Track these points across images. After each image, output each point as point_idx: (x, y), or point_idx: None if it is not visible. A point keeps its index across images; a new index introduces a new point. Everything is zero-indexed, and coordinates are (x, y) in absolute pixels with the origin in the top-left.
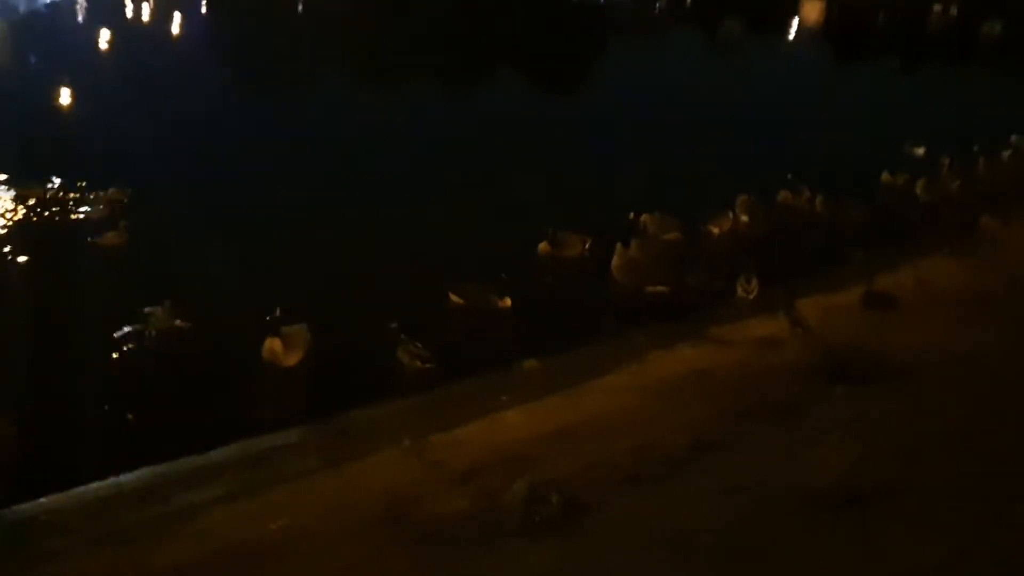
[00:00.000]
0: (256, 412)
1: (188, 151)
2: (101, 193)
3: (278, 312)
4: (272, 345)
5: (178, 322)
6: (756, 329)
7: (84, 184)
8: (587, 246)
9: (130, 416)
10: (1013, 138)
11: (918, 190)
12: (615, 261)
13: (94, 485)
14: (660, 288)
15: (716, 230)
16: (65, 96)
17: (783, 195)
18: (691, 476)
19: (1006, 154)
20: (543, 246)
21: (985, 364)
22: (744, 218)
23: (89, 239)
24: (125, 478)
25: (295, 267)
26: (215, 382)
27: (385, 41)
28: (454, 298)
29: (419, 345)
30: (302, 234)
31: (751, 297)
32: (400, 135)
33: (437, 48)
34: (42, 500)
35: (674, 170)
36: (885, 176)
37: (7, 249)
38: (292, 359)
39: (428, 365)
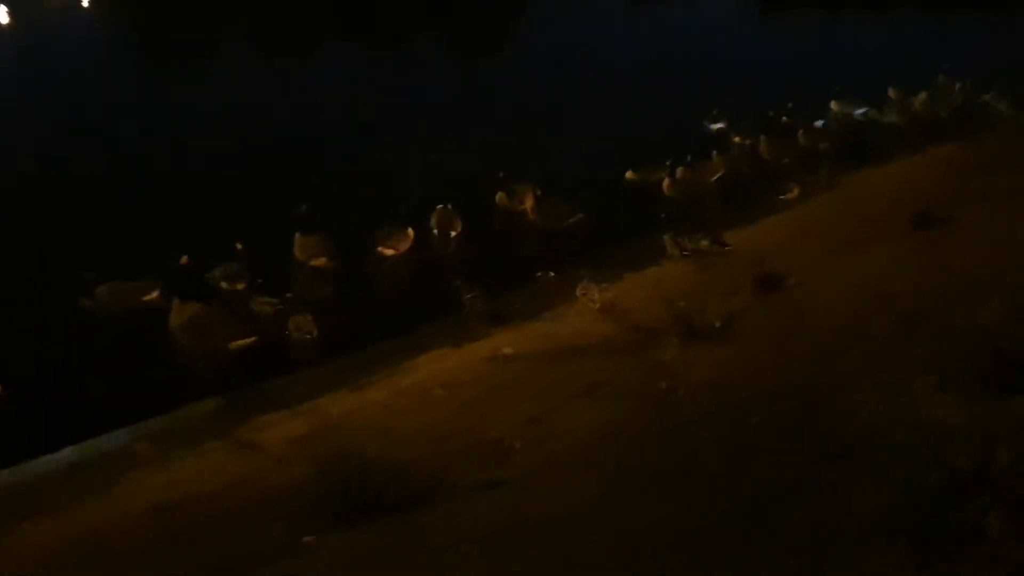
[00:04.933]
0: None
1: None
2: None
3: None
4: None
5: None
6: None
7: None
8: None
9: None
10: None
11: (665, 188)
12: (172, 319)
13: None
14: (246, 341)
15: (390, 251)
16: None
17: (499, 197)
18: None
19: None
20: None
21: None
22: (436, 232)
23: None
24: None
25: None
26: None
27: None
28: None
29: None
30: None
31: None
32: None
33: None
34: None
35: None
36: (630, 174)
37: None
38: None
39: None
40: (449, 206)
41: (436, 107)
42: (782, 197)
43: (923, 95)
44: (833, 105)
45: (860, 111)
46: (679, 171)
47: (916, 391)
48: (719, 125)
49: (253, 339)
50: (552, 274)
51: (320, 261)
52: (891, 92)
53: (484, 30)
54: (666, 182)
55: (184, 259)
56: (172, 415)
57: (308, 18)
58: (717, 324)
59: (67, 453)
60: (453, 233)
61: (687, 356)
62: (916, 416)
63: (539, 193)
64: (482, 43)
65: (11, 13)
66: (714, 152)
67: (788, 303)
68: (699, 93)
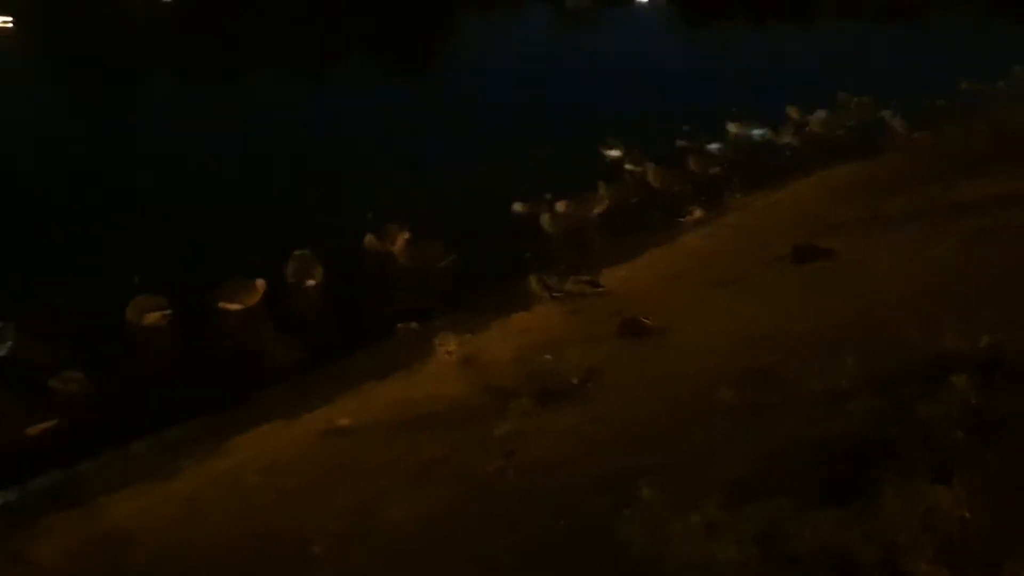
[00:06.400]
0: None
1: None
2: None
3: None
4: None
5: None
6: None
7: None
8: None
9: None
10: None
11: (544, 223)
12: None
13: None
14: (45, 425)
15: (235, 307)
16: None
17: (368, 239)
18: None
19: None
20: None
21: None
22: (291, 281)
23: None
24: None
25: None
26: None
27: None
28: None
29: None
30: None
31: None
32: None
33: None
34: None
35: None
36: (518, 206)
37: None
38: None
39: None
40: (308, 252)
41: (323, 139)
42: (681, 220)
43: (821, 113)
44: (730, 127)
45: (757, 132)
46: (559, 204)
47: (717, 509)
48: (614, 152)
49: (53, 422)
50: (414, 325)
51: (150, 319)
52: (789, 111)
53: (402, 55)
54: (545, 217)
55: None
56: None
57: (235, 40)
58: (575, 380)
59: None
60: (311, 282)
61: (533, 424)
62: (705, 547)
63: (409, 234)
64: (395, 68)
65: None
66: (600, 182)
67: (652, 354)
68: (606, 118)
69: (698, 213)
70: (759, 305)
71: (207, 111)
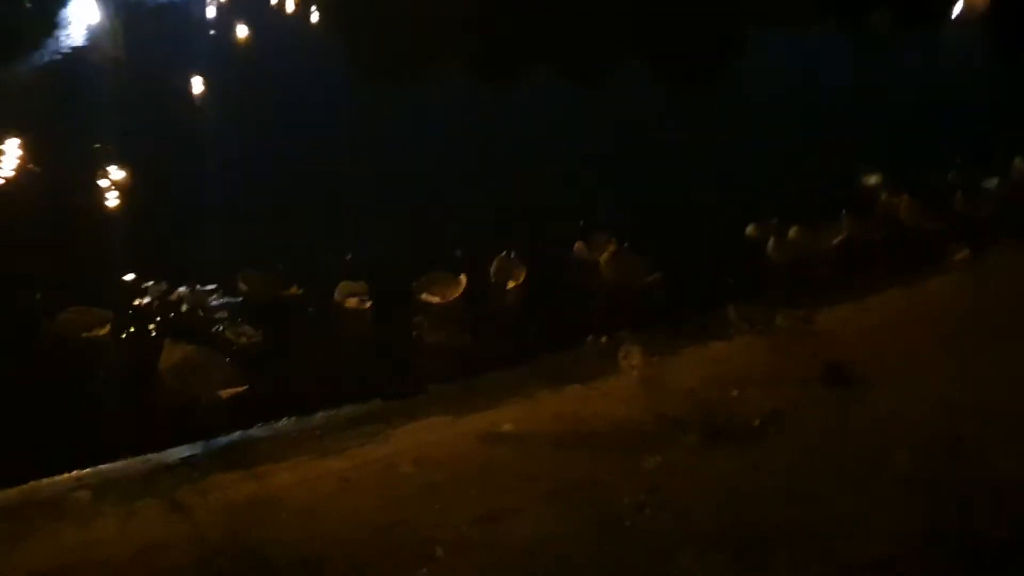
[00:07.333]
0: None
1: None
2: None
3: None
4: None
5: None
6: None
7: None
8: None
9: None
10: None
11: (770, 249)
12: (163, 359)
13: None
14: (237, 389)
15: (435, 299)
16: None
17: (576, 247)
18: None
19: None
20: None
21: None
22: (493, 281)
23: None
24: None
25: None
26: None
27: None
28: None
29: None
30: None
31: None
32: None
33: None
34: None
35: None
36: (751, 229)
37: None
38: None
39: None
40: (513, 254)
41: (565, 141)
42: (935, 263)
43: None
44: (1018, 162)
45: None
46: (791, 230)
47: None
48: (870, 179)
49: (244, 387)
50: (603, 339)
51: (351, 303)
52: None
53: (678, 67)
54: (771, 242)
55: (176, 293)
56: (124, 463)
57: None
58: (756, 423)
59: None
60: (512, 284)
61: (690, 462)
62: None
63: (617, 245)
64: (667, 80)
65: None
66: (843, 211)
67: (848, 404)
68: (873, 143)
69: (958, 257)
70: (988, 368)
71: (472, 106)
